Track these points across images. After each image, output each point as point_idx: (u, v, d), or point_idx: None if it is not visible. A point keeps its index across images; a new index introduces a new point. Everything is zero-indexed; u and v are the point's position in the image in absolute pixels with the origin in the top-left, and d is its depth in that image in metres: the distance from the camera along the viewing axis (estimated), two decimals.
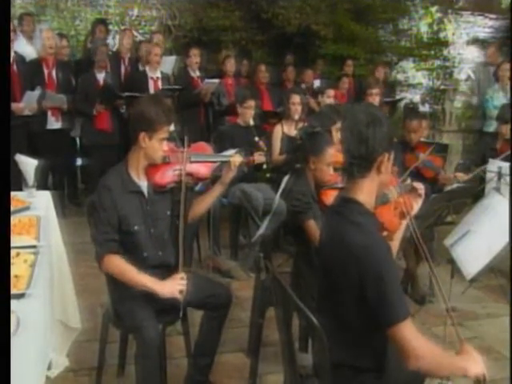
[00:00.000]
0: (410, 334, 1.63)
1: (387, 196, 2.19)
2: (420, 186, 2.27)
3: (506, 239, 2.80)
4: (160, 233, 2.58)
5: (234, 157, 2.69)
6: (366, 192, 1.79)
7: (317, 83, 6.93)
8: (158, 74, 5.80)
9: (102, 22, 6.85)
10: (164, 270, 2.51)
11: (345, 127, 1.83)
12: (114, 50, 6.60)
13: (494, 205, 2.93)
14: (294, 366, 2.13)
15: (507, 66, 6.29)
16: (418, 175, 3.73)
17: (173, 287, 2.36)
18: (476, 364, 1.74)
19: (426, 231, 3.85)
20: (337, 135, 3.63)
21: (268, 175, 4.64)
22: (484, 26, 10.01)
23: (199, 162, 2.63)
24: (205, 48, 6.95)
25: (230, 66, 6.24)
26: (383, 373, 1.76)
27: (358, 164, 1.77)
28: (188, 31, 7.73)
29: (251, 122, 4.58)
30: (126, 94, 5.40)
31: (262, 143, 4.44)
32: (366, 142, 1.73)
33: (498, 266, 4.47)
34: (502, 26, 9.81)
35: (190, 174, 2.58)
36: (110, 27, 7.30)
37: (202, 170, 2.65)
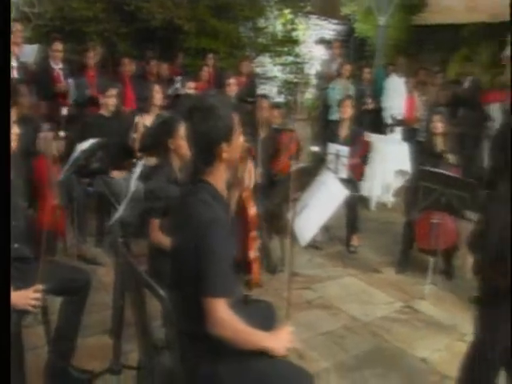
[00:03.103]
0: (222, 308, 1.68)
1: None
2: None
3: (333, 208, 3.06)
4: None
5: None
6: (214, 175, 1.80)
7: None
8: (15, 63, 5.32)
9: None
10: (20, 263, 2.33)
11: (185, 122, 1.84)
12: None
13: (325, 181, 3.16)
14: (148, 340, 2.12)
15: (348, 66, 6.78)
16: None
17: (25, 300, 2.19)
18: (280, 344, 1.81)
19: (276, 208, 4.02)
20: None
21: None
22: (329, 28, 10.66)
23: None
24: (67, 38, 6.49)
25: (93, 57, 5.91)
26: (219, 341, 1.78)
27: (201, 156, 1.79)
28: (49, 20, 7.17)
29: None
30: None
31: None
32: (203, 135, 1.74)
33: (337, 235, 4.85)
34: (343, 30, 10.54)
35: None
36: None
37: None
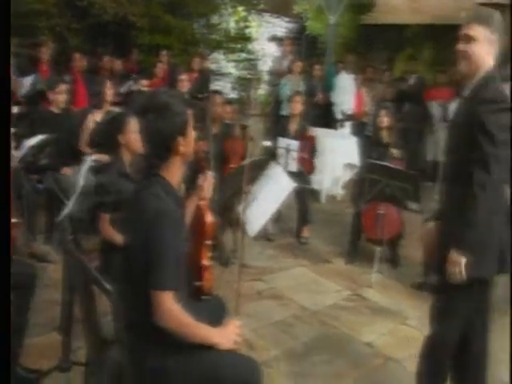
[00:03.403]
0: (169, 301, 1.69)
1: None
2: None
3: (281, 201, 3.10)
4: None
5: None
6: (170, 170, 1.81)
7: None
8: None
9: None
10: None
11: (139, 119, 1.83)
12: None
13: (273, 174, 3.19)
14: (97, 336, 2.09)
15: (298, 62, 6.83)
16: None
17: None
18: (227, 339, 1.82)
19: (228, 201, 4.01)
20: None
21: None
22: (281, 26, 10.71)
23: None
24: (18, 33, 6.24)
25: (45, 52, 5.72)
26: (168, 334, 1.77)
27: (156, 151, 1.79)
28: None
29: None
30: None
31: None
32: (158, 131, 1.75)
33: (289, 227, 4.90)
34: (295, 27, 10.62)
35: None
36: None
37: None
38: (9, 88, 1.69)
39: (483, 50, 2.10)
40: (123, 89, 5.84)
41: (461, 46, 2.14)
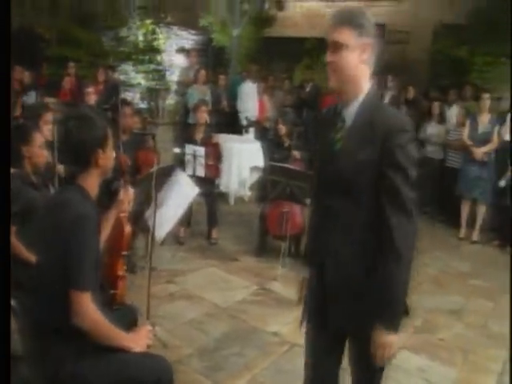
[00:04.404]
0: (86, 301, 1.70)
1: None
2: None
3: (186, 205, 3.09)
4: None
5: None
6: (87, 180, 1.81)
7: None
8: None
9: None
10: None
11: (58, 133, 1.82)
12: None
13: (178, 180, 3.17)
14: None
15: (203, 72, 6.82)
16: None
17: None
18: (138, 343, 1.84)
19: (139, 207, 3.89)
20: (44, 126, 3.44)
21: None
22: (188, 38, 10.67)
23: None
24: None
25: None
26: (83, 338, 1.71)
27: (75, 161, 1.80)
28: None
29: None
30: None
31: None
32: (79, 142, 1.74)
33: (200, 231, 4.88)
34: (201, 40, 10.63)
35: None
36: None
37: None
38: (9, 88, 1.56)
39: (356, 58, 1.56)
40: (28, 100, 5.49)
41: (329, 57, 1.59)
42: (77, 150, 1.77)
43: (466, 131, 5.57)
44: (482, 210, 5.56)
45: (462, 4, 7.59)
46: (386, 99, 6.85)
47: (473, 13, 7.16)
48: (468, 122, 5.62)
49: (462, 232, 5.65)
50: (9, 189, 1.95)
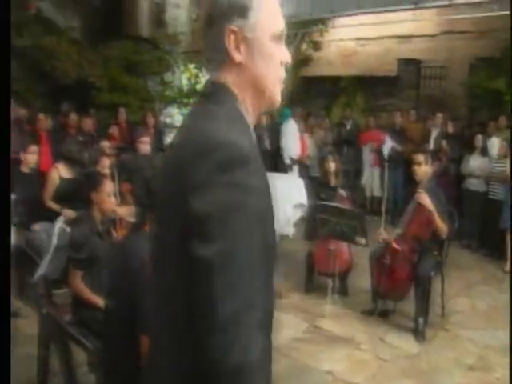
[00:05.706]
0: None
1: None
2: None
3: None
4: None
5: None
6: None
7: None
8: None
9: None
10: None
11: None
12: None
13: None
14: None
15: None
16: None
17: None
18: None
19: None
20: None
21: None
22: None
23: None
24: None
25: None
26: None
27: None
28: None
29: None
30: None
31: None
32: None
33: None
34: None
35: None
36: None
37: None
38: (9, 88, 1.71)
39: None
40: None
41: None
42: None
43: (508, 163, 5.53)
44: None
45: (495, 37, 7.62)
46: (434, 135, 6.91)
47: (507, 45, 7.18)
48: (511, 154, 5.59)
49: (508, 265, 5.51)
50: (9, 189, 1.99)
